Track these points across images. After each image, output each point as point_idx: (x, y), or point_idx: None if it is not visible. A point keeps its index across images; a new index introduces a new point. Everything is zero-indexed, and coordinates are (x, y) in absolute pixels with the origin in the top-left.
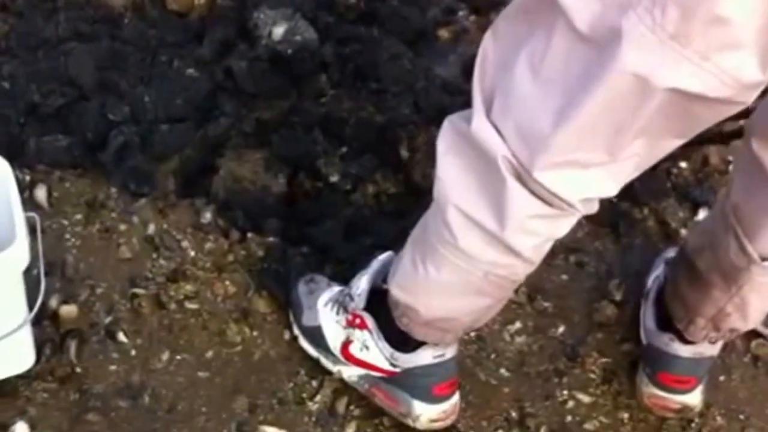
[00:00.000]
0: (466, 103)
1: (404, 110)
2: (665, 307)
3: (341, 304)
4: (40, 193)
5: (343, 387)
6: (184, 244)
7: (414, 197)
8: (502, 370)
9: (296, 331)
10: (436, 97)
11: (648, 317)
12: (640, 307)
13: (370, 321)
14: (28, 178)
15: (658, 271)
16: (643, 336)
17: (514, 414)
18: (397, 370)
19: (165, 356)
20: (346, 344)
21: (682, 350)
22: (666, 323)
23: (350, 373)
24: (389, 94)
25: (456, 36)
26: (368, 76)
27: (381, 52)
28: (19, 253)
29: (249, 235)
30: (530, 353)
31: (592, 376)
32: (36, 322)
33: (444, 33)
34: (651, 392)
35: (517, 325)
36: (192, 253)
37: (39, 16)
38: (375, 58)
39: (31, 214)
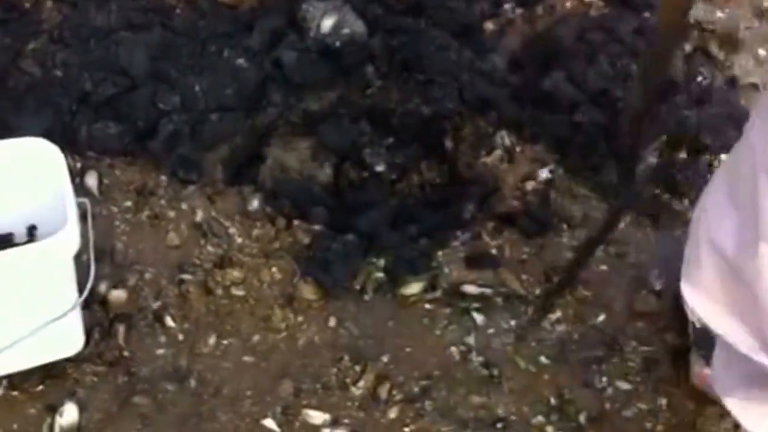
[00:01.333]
0: (511, 96)
1: (450, 102)
2: None
3: None
4: (91, 180)
5: (386, 372)
6: (232, 231)
7: (458, 187)
8: (542, 358)
9: None
10: (481, 88)
11: None
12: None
13: None
14: (79, 165)
15: None
16: (696, 320)
17: (554, 401)
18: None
19: (211, 341)
20: None
21: None
22: None
23: None
24: (435, 85)
25: (502, 28)
26: (415, 67)
27: (428, 44)
28: (70, 237)
29: (295, 222)
30: (570, 341)
31: (632, 364)
32: (85, 306)
33: (490, 25)
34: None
35: (558, 314)
36: (239, 240)
37: (92, 5)
38: (422, 49)
39: (82, 199)
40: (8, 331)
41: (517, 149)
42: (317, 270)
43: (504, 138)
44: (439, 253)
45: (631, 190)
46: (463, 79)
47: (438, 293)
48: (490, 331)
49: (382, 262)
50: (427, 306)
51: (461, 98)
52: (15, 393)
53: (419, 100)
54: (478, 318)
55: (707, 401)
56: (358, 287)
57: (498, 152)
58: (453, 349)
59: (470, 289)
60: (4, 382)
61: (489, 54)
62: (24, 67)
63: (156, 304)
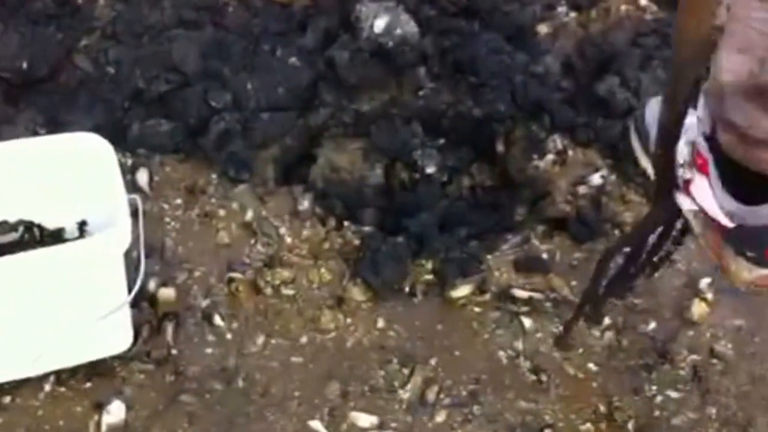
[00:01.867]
0: (564, 100)
1: (502, 104)
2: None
3: (686, 134)
4: (142, 177)
5: (434, 375)
6: (282, 230)
7: (509, 191)
8: (591, 365)
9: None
10: (534, 92)
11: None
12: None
13: (710, 165)
14: (130, 161)
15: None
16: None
17: (602, 408)
18: (732, 225)
19: (260, 340)
20: (687, 181)
21: None
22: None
23: (683, 202)
24: (488, 87)
25: (555, 32)
26: (467, 69)
27: (480, 46)
28: (122, 234)
29: (345, 223)
30: (619, 349)
31: (682, 372)
32: (134, 304)
33: (544, 28)
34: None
35: (607, 321)
36: (289, 240)
37: (144, 3)
38: (474, 51)
39: (133, 196)
40: (57, 327)
41: (570, 153)
42: (367, 271)
43: (556, 142)
44: (489, 256)
45: (660, 207)
46: (516, 82)
47: (487, 296)
48: (539, 336)
49: (431, 265)
50: (476, 309)
51: (514, 101)
52: (62, 389)
53: (471, 103)
54: (527, 322)
55: (759, 411)
56: (407, 289)
57: (550, 156)
58: (501, 353)
59: (519, 293)
60: (52, 378)
61: (542, 57)
62: (77, 62)
63: (205, 303)
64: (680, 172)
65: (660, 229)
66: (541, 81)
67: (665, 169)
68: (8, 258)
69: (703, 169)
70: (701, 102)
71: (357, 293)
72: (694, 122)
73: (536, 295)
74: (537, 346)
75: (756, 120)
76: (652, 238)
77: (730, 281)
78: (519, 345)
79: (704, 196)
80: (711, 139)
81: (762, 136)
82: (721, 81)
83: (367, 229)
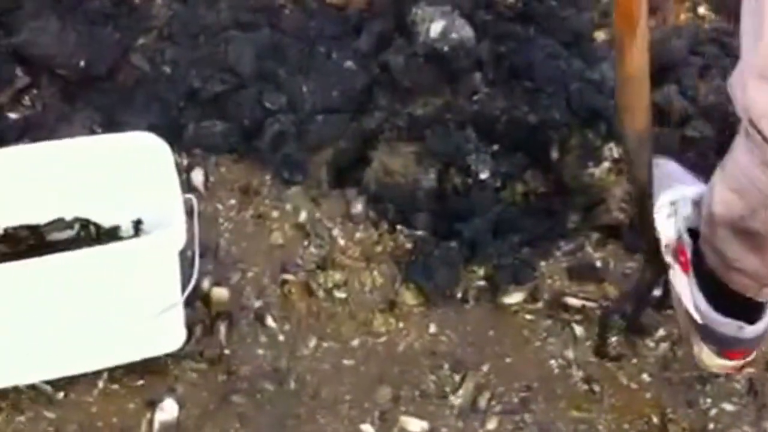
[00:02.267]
0: None
1: (557, 111)
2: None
3: (676, 220)
4: (197, 177)
5: (486, 382)
6: (335, 233)
7: (562, 197)
8: (644, 375)
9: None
10: (590, 99)
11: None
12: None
13: (690, 266)
14: (185, 161)
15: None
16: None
17: (655, 419)
18: (701, 322)
19: (312, 343)
20: (668, 264)
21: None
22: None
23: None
24: (543, 94)
25: (613, 39)
26: (523, 75)
27: (537, 51)
28: (178, 233)
29: (398, 227)
30: (674, 360)
31: (737, 386)
32: (188, 303)
33: (601, 35)
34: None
35: (661, 332)
36: (342, 242)
37: (201, 3)
38: (530, 57)
39: (189, 196)
40: (111, 324)
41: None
42: (419, 276)
43: (612, 150)
44: (542, 263)
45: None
46: (572, 88)
47: (539, 304)
48: (590, 344)
49: (483, 270)
50: (528, 316)
51: (569, 108)
52: (115, 387)
53: (526, 108)
54: (579, 331)
55: None
56: (459, 295)
57: (606, 164)
58: (553, 362)
59: (572, 301)
60: (105, 375)
61: (598, 64)
62: (133, 62)
63: (257, 304)
64: (663, 250)
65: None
66: (598, 88)
67: (648, 233)
68: (64, 255)
69: (684, 267)
70: (699, 197)
71: (409, 297)
72: (688, 195)
73: (589, 304)
74: (589, 355)
75: (743, 255)
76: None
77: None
78: (571, 354)
79: (681, 286)
80: (696, 236)
81: (747, 269)
82: (712, 210)
83: (419, 233)
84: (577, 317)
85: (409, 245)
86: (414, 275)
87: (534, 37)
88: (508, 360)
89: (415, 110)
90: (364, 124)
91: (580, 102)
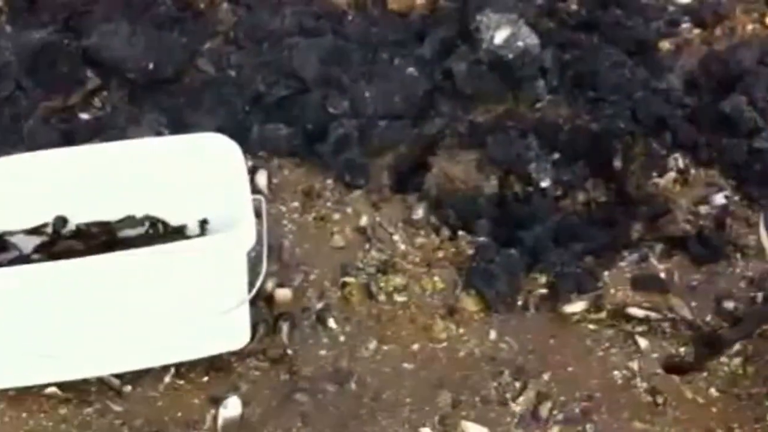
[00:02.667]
0: (687, 117)
1: (621, 120)
2: None
3: None
4: (261, 179)
5: (547, 391)
6: (396, 237)
7: (625, 207)
8: (712, 390)
9: None
10: (655, 108)
11: None
12: None
13: None
14: (250, 163)
15: None
16: None
17: None
18: None
19: (372, 345)
20: None
21: None
22: None
23: None
24: (607, 103)
25: (678, 48)
26: (586, 83)
27: (601, 60)
28: (247, 233)
29: (459, 233)
30: (744, 376)
31: None
32: (251, 303)
33: (666, 44)
34: None
35: (735, 347)
36: (402, 247)
37: (266, 9)
38: (594, 66)
39: (258, 197)
40: (178, 321)
41: (692, 172)
42: (480, 282)
43: (678, 160)
44: (605, 272)
45: None
46: (637, 97)
47: (602, 314)
48: (655, 356)
49: (545, 278)
50: (591, 326)
51: (634, 117)
52: (181, 382)
53: (589, 117)
54: (643, 343)
55: None
56: (520, 302)
57: (671, 174)
58: (616, 372)
59: (636, 311)
60: (172, 370)
61: (664, 73)
62: (200, 65)
63: (319, 305)
64: None
65: None
66: (663, 97)
67: None
68: (137, 251)
69: None
70: None
71: (469, 303)
72: None
73: (653, 315)
74: (654, 367)
75: None
76: None
77: None
78: (635, 365)
79: None
80: None
81: None
82: None
83: (480, 239)
84: (641, 328)
85: (469, 251)
86: (475, 281)
87: (598, 45)
88: (570, 369)
89: (476, 117)
90: (425, 130)
91: (645, 111)
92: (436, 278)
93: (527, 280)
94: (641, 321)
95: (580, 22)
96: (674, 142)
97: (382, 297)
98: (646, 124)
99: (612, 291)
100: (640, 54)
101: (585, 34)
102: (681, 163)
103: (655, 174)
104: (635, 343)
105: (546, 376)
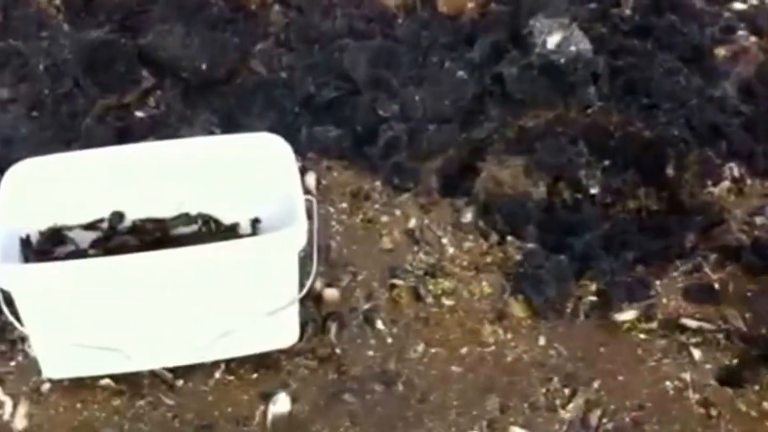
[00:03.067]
0: (741, 125)
1: (675, 127)
2: None
3: None
4: (310, 180)
5: (597, 399)
6: (444, 240)
7: (678, 216)
8: (765, 404)
9: None
10: (710, 116)
11: None
12: None
13: None
14: (299, 164)
15: None
16: None
17: None
18: None
19: (420, 348)
20: None
21: None
22: None
23: None
24: (660, 110)
25: (735, 55)
26: (639, 90)
27: (655, 66)
28: (299, 233)
29: (508, 238)
30: None
31: None
32: (300, 302)
33: (721, 51)
34: None
35: None
36: (451, 250)
37: (317, 11)
38: (648, 72)
39: (309, 197)
40: (230, 318)
41: (747, 182)
42: (529, 288)
43: (733, 169)
44: (657, 282)
45: None
46: (691, 104)
47: (654, 323)
48: (708, 367)
49: (595, 286)
50: (642, 335)
51: (688, 125)
52: (231, 378)
53: (642, 124)
54: (696, 353)
55: None
56: (569, 309)
57: (726, 183)
58: (668, 383)
59: (689, 322)
60: (222, 366)
61: (719, 81)
62: (251, 66)
63: (367, 306)
64: None
65: None
66: (718, 105)
67: None
68: (194, 249)
69: None
70: None
71: (518, 309)
72: None
73: (707, 326)
74: (707, 379)
75: None
76: None
77: None
78: (687, 376)
79: None
80: None
81: None
82: None
83: (529, 245)
84: (695, 339)
85: (518, 257)
86: (524, 287)
87: (652, 51)
88: (620, 378)
89: (526, 122)
90: (474, 134)
91: (700, 119)
92: (484, 283)
93: (577, 287)
94: (695, 332)
95: (633, 28)
96: (729, 150)
97: (430, 300)
98: (701, 132)
99: (664, 300)
100: (695, 61)
101: (638, 40)
102: (736, 172)
103: (709, 183)
104: (689, 353)
105: (596, 384)
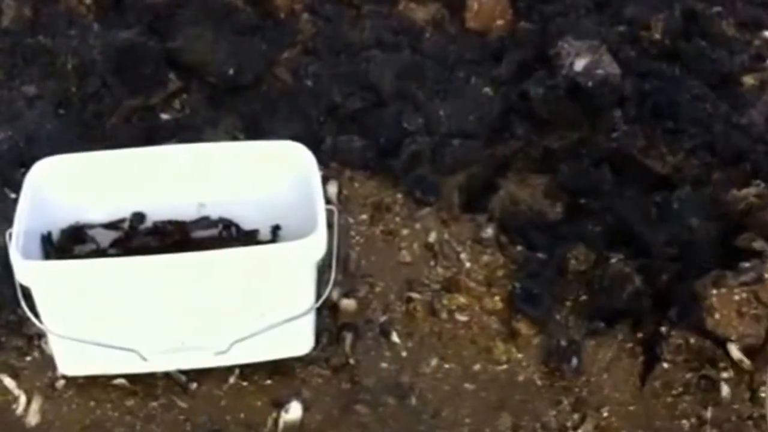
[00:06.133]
0: (766, 152)
1: (699, 152)
2: None
3: None
4: (332, 189)
5: (606, 426)
6: (463, 256)
7: None
8: None
9: None
10: (735, 142)
11: None
12: None
13: None
14: (322, 173)
15: None
16: None
17: None
18: None
19: (433, 362)
20: None
21: None
22: None
23: None
24: (685, 135)
25: (762, 84)
26: (665, 114)
27: (682, 91)
28: (319, 242)
29: (524, 254)
30: None
31: None
32: (317, 311)
33: (750, 80)
34: None
35: None
36: (468, 265)
37: (345, 21)
38: (675, 97)
39: (330, 207)
40: (245, 324)
41: None
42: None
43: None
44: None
45: None
46: (716, 130)
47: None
48: (735, 407)
49: None
50: (664, 365)
51: (711, 150)
52: (245, 383)
53: (666, 149)
54: (725, 390)
55: None
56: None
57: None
58: (684, 421)
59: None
60: (236, 371)
61: (746, 108)
62: (278, 74)
63: (383, 318)
64: None
65: None
66: (744, 132)
67: None
68: (215, 252)
69: None
70: None
71: (524, 327)
72: None
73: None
74: (729, 415)
75: None
76: None
77: None
78: (707, 414)
79: None
80: None
81: None
82: None
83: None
84: (726, 375)
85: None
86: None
87: (679, 76)
88: (631, 408)
89: (550, 143)
90: (498, 151)
91: (725, 145)
92: (496, 298)
93: None
94: (725, 367)
95: (662, 52)
96: (754, 176)
97: (444, 315)
98: (724, 157)
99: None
100: (723, 87)
101: (667, 64)
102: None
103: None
104: (716, 388)
105: (605, 412)
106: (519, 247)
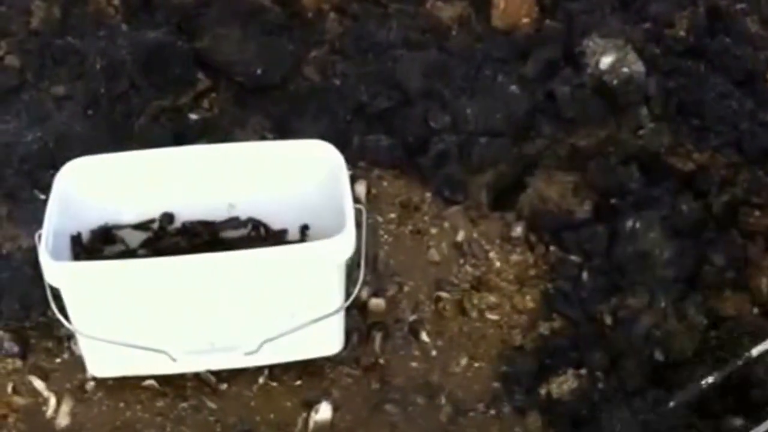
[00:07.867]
0: None
1: (725, 150)
2: None
3: None
4: (360, 189)
5: None
6: (492, 254)
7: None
8: None
9: None
10: (762, 139)
11: None
12: None
13: None
14: (350, 172)
15: None
16: None
17: None
18: None
19: (463, 362)
20: None
21: None
22: None
23: None
24: (711, 132)
25: None
26: (691, 112)
27: (707, 89)
28: (348, 242)
29: (556, 253)
30: None
31: None
32: (346, 310)
33: None
34: None
35: None
36: (498, 264)
37: (372, 21)
38: (700, 95)
39: (359, 206)
40: (275, 324)
41: None
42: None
43: None
44: None
45: None
46: (743, 128)
47: None
48: None
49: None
50: None
51: (738, 148)
52: (274, 384)
53: (692, 147)
54: None
55: None
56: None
57: None
58: None
59: None
60: (266, 372)
61: None
62: (305, 73)
63: (412, 317)
64: None
65: None
66: None
67: None
68: (244, 252)
69: None
70: None
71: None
72: None
73: None
74: None
75: None
76: None
77: None
78: None
79: None
80: None
81: None
82: None
83: (571, 257)
84: None
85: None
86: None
87: (705, 74)
88: None
89: (577, 141)
90: (526, 150)
91: (751, 142)
92: (527, 297)
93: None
94: None
95: (687, 49)
96: None
97: (474, 314)
98: (751, 154)
99: None
100: (748, 85)
101: (692, 62)
102: None
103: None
104: None
105: None
106: (552, 247)
